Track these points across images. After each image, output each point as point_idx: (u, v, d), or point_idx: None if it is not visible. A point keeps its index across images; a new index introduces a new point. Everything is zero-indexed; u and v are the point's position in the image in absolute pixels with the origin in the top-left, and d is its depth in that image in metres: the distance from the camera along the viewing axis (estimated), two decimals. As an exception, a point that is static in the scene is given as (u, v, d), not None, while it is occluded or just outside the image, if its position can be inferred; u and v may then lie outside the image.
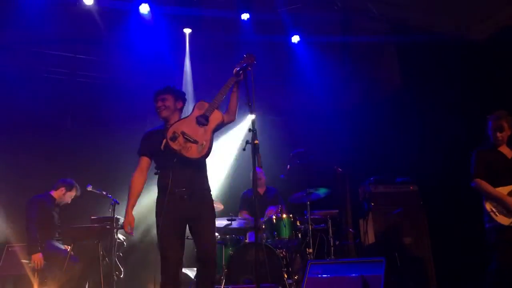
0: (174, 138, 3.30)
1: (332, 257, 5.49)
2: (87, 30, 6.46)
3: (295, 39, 7.22)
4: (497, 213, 3.97)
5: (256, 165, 3.15)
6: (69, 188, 5.37)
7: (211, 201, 3.53)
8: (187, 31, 7.06)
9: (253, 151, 3.13)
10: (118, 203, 5.19)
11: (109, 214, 5.18)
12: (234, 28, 6.80)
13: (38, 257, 4.88)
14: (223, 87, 3.51)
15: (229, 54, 6.53)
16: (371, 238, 6.00)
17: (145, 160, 3.59)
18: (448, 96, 6.14)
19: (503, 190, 4.00)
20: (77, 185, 5.51)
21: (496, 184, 4.04)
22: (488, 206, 4.03)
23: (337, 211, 5.89)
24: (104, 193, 5.26)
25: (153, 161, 3.62)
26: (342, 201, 7.16)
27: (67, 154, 6.69)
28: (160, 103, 3.61)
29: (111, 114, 6.91)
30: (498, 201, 3.97)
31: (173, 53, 6.93)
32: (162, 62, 6.86)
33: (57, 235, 5.28)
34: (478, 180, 4.11)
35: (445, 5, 5.98)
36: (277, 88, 7.51)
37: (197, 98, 7.15)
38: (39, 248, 4.91)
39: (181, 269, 3.46)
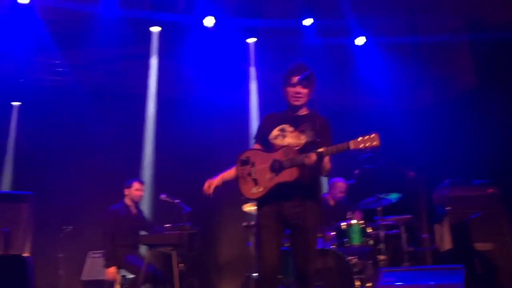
0: (244, 163, 3.17)
1: (406, 264, 5.30)
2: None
3: (360, 41, 7.09)
4: None
5: (323, 174, 3.08)
6: (128, 185, 5.56)
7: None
8: (251, 40, 7.20)
9: (319, 159, 2.96)
10: (190, 211, 5.35)
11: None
12: (296, 34, 6.83)
13: (110, 271, 5.09)
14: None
15: (293, 58, 6.56)
16: (447, 244, 5.72)
17: (257, 146, 3.32)
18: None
19: None
20: (133, 180, 5.68)
21: None
22: None
23: (410, 216, 5.68)
24: (177, 201, 5.44)
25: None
26: (416, 206, 6.89)
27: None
28: (299, 89, 3.22)
29: (182, 126, 7.17)
30: None
31: (238, 63, 7.08)
32: (227, 72, 7.05)
33: (134, 244, 5.45)
34: None
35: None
36: (342, 91, 7.42)
37: (263, 106, 7.28)
38: (112, 262, 5.10)
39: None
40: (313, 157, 2.95)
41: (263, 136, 3.29)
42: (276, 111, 3.40)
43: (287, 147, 3.13)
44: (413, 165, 6.10)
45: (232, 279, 6.92)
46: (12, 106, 7.03)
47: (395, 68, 7.11)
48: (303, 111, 3.30)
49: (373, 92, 7.29)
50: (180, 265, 5.08)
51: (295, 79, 3.21)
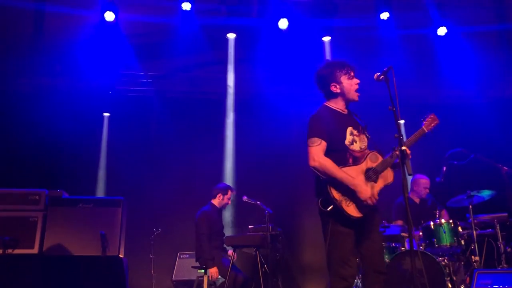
0: None
1: (504, 265, 4.95)
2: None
3: (442, 31, 6.77)
4: None
5: (408, 172, 2.98)
6: (224, 191, 5.72)
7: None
8: (326, 39, 7.12)
9: (401, 158, 2.86)
10: (272, 212, 5.40)
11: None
12: (373, 28, 6.66)
13: (214, 271, 5.21)
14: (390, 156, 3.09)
15: (370, 52, 6.43)
16: (551, 244, 5.27)
17: (324, 146, 3.04)
18: None
19: None
20: (229, 186, 5.87)
21: None
22: None
23: (506, 214, 5.31)
24: (259, 203, 5.51)
25: None
26: None
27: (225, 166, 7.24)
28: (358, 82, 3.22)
29: (261, 129, 7.24)
30: None
31: (314, 64, 7.02)
32: (304, 74, 7.02)
33: (222, 245, 5.57)
34: None
35: None
36: (423, 84, 7.10)
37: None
38: (213, 262, 5.21)
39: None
40: (397, 152, 2.96)
41: (335, 139, 3.10)
42: (330, 110, 3.24)
43: (373, 153, 3.12)
44: (507, 160, 5.70)
45: (316, 281, 6.87)
46: (103, 116, 7.49)
47: (480, 58, 6.70)
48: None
49: (457, 84, 6.91)
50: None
51: (352, 72, 3.22)
